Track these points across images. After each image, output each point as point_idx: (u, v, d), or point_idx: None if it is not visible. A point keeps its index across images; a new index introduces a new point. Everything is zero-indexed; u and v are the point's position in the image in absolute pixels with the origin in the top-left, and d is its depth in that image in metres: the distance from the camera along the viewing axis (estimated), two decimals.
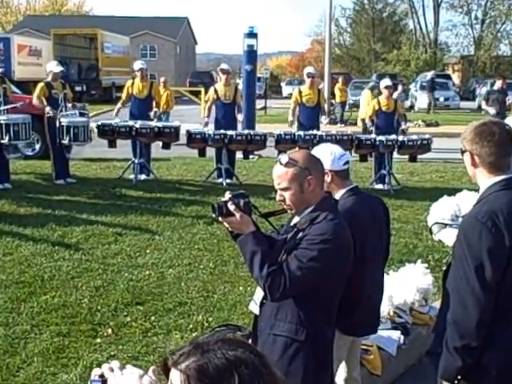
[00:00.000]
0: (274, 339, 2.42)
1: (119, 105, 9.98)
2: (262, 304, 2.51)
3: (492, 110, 11.59)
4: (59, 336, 4.19)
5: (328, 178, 2.90)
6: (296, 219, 2.49)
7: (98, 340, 4.17)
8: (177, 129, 9.40)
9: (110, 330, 4.30)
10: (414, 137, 9.50)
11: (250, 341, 2.63)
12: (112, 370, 1.26)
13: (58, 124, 8.79)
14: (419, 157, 9.88)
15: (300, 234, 2.37)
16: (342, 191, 2.96)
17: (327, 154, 2.92)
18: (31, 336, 4.19)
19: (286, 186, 2.42)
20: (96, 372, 1.27)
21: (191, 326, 4.40)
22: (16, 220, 6.95)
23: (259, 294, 2.69)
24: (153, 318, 4.53)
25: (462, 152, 2.36)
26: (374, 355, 3.63)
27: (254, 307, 2.84)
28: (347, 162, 3.00)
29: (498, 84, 12.27)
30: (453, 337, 2.22)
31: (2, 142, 8.38)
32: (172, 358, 1.20)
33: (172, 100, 14.33)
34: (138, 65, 9.92)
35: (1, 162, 8.61)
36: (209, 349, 1.18)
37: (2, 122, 8.33)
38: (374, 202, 3.15)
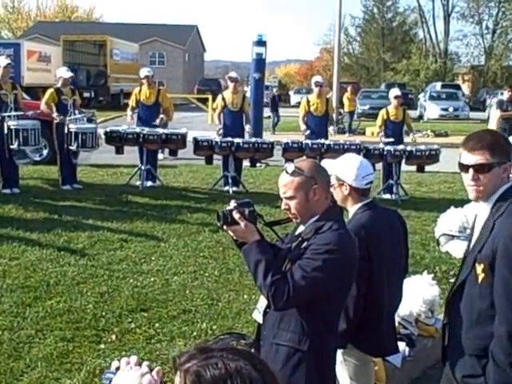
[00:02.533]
0: (276, 349, 2.40)
1: (130, 112, 9.99)
2: (265, 313, 2.50)
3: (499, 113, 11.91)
4: (63, 341, 4.19)
5: (346, 191, 2.88)
6: (301, 228, 2.48)
7: (102, 346, 4.17)
8: (184, 136, 9.42)
9: (113, 336, 4.30)
10: (422, 147, 9.46)
11: (252, 350, 2.62)
12: (128, 363, 1.31)
13: (66, 130, 8.83)
14: (427, 167, 9.84)
15: (304, 244, 2.36)
16: (357, 206, 2.91)
17: (353, 168, 2.86)
18: (35, 340, 4.20)
19: (292, 195, 2.41)
20: (115, 364, 1.33)
21: (195, 333, 4.40)
22: (22, 225, 6.98)
23: (263, 302, 2.67)
24: (157, 324, 4.53)
25: None
26: (378, 366, 3.60)
27: (258, 316, 2.83)
28: (370, 183, 2.92)
29: (507, 95, 12.33)
30: (508, 352, 2.13)
31: (12, 147, 8.42)
32: (178, 359, 1.22)
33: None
34: (144, 72, 9.95)
35: (10, 167, 8.66)
36: (212, 355, 1.19)
37: (12, 127, 8.38)
38: (390, 215, 3.10)
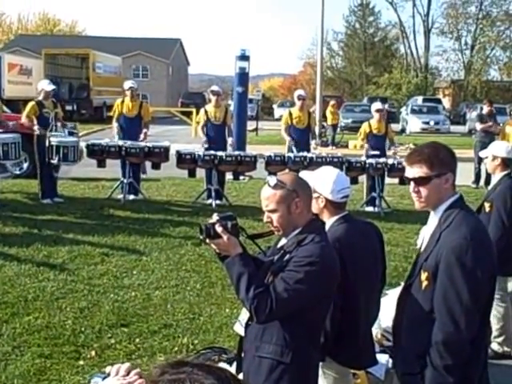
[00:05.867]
0: (259, 361, 2.38)
1: (115, 123, 9.82)
2: (247, 325, 2.48)
3: (479, 126, 12.26)
4: (41, 358, 4.10)
5: (321, 204, 2.90)
6: (283, 241, 2.47)
7: (81, 362, 4.08)
8: (167, 149, 9.38)
9: (93, 352, 4.22)
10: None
11: (234, 364, 2.58)
12: (116, 373, 1.32)
13: (47, 143, 8.73)
14: None
15: (287, 256, 2.36)
16: (334, 218, 2.92)
17: (329, 182, 2.89)
18: (12, 358, 4.10)
19: (274, 208, 2.40)
20: (107, 369, 1.36)
21: (176, 348, 4.33)
22: (0, 239, 6.85)
23: (244, 314, 2.65)
24: (137, 340, 4.45)
25: None
26: (361, 379, 3.57)
27: (240, 328, 2.79)
28: (346, 196, 2.95)
29: (486, 109, 12.58)
30: (443, 356, 2.25)
31: None
32: (154, 372, 1.21)
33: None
34: (128, 84, 9.92)
35: None
36: (183, 371, 1.17)
37: None
38: (366, 228, 3.11)
